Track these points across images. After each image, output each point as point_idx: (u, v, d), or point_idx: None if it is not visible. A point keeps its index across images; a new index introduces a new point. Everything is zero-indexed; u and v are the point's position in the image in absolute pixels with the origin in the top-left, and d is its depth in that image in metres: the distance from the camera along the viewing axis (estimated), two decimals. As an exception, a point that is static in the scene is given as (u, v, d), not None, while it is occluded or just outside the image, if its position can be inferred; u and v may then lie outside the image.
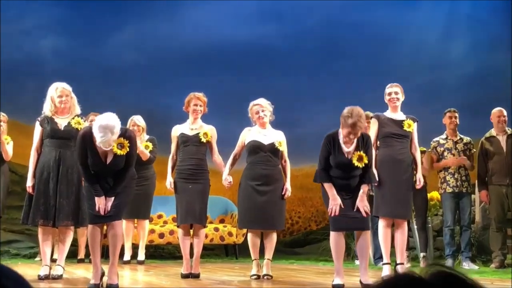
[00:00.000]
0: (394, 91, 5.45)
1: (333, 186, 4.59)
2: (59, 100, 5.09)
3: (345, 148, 4.58)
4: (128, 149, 4.31)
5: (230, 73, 9.84)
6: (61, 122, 5.12)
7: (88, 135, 4.29)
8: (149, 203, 6.93)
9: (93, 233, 4.45)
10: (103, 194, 4.35)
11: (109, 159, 4.33)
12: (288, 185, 5.33)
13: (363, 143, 4.60)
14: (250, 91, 9.51)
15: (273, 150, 5.29)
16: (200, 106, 5.45)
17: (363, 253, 4.71)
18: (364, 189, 4.62)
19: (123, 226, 6.48)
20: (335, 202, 4.56)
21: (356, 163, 4.55)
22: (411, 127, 5.40)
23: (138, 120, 6.84)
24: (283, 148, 5.37)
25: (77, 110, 5.21)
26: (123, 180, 4.40)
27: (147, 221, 7.01)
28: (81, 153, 4.35)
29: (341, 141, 4.58)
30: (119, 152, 4.28)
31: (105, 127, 4.09)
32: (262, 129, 5.37)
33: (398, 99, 5.43)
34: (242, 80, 9.76)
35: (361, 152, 4.56)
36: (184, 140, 5.41)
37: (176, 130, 5.50)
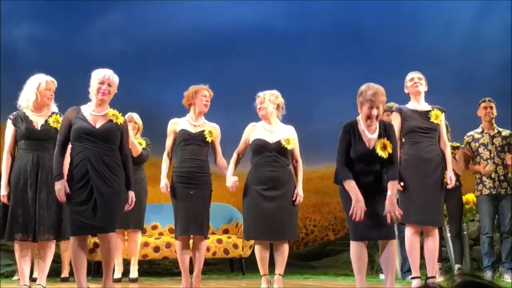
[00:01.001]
0: (417, 76, 5.46)
1: (356, 185, 4.48)
2: (49, 94, 5.12)
3: (367, 135, 4.57)
4: (122, 122, 4.74)
5: (232, 62, 9.85)
6: (38, 121, 5.11)
7: (78, 107, 4.76)
8: (142, 212, 6.94)
9: (76, 247, 4.54)
10: (63, 178, 4.59)
11: (98, 124, 4.66)
12: (299, 189, 5.31)
13: (385, 130, 4.62)
14: (255, 82, 9.52)
15: (279, 149, 5.26)
16: (207, 100, 5.50)
17: (389, 266, 4.67)
18: (392, 188, 4.53)
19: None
20: (358, 204, 4.41)
21: (379, 152, 4.52)
22: (439, 118, 5.39)
23: (137, 118, 6.90)
24: (293, 146, 5.32)
25: (53, 107, 5.24)
26: (128, 160, 4.76)
27: (139, 233, 7.02)
28: (62, 127, 4.71)
29: (361, 128, 4.59)
30: (114, 120, 4.71)
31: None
32: (268, 125, 5.35)
33: (421, 84, 5.45)
34: (246, 70, 9.77)
35: (385, 140, 4.57)
36: (186, 138, 5.40)
37: (176, 125, 5.48)
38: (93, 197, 4.50)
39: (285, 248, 5.30)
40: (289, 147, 5.26)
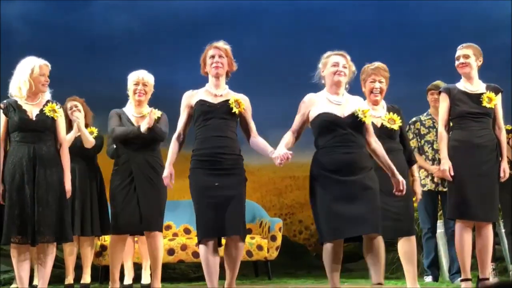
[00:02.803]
0: (463, 54, 5.39)
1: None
2: (44, 80, 5.11)
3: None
4: (158, 120, 5.52)
5: (252, 38, 9.78)
6: (32, 110, 5.12)
7: (120, 110, 5.62)
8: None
9: (115, 245, 5.53)
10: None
11: (143, 127, 5.38)
12: (396, 175, 4.64)
13: (394, 110, 5.14)
14: (278, 60, 9.45)
15: (355, 124, 4.55)
16: (217, 61, 4.86)
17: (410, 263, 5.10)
18: (414, 173, 5.23)
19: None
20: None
21: (388, 124, 5.02)
22: (493, 101, 5.32)
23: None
24: (371, 119, 4.69)
25: (48, 95, 5.25)
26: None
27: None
28: (114, 121, 5.55)
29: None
30: (156, 116, 5.45)
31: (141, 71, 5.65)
32: (334, 96, 4.65)
33: (467, 64, 5.36)
34: (268, 47, 9.70)
35: (392, 115, 5.06)
36: (205, 110, 4.78)
37: (191, 97, 4.90)
38: (136, 197, 5.39)
39: (379, 244, 4.45)
40: (367, 120, 4.57)
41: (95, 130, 6.58)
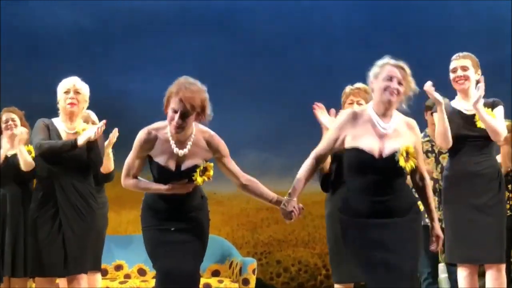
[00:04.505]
0: (461, 66, 5.39)
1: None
2: None
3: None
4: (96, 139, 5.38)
5: (224, 43, 9.83)
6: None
7: (49, 120, 5.52)
8: (100, 247, 6.91)
9: None
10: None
11: (80, 140, 5.25)
12: (437, 227, 4.40)
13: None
14: (256, 69, 9.47)
15: (393, 169, 4.26)
16: (177, 123, 4.30)
17: None
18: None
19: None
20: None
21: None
22: None
23: (95, 117, 6.72)
24: (413, 163, 4.28)
25: None
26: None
27: (98, 275, 7.00)
28: (40, 133, 5.46)
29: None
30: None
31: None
32: (381, 119, 4.34)
33: (466, 78, 5.37)
34: (244, 53, 9.74)
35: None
36: (165, 176, 4.45)
37: (149, 143, 4.42)
38: (61, 232, 5.31)
39: None
40: (408, 166, 4.26)
41: (32, 149, 6.43)
